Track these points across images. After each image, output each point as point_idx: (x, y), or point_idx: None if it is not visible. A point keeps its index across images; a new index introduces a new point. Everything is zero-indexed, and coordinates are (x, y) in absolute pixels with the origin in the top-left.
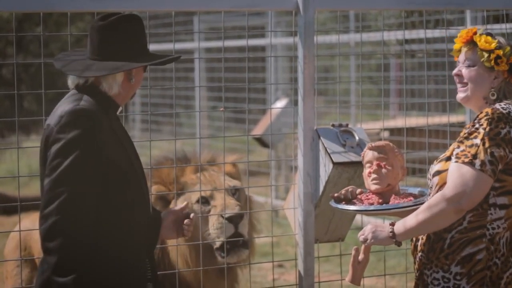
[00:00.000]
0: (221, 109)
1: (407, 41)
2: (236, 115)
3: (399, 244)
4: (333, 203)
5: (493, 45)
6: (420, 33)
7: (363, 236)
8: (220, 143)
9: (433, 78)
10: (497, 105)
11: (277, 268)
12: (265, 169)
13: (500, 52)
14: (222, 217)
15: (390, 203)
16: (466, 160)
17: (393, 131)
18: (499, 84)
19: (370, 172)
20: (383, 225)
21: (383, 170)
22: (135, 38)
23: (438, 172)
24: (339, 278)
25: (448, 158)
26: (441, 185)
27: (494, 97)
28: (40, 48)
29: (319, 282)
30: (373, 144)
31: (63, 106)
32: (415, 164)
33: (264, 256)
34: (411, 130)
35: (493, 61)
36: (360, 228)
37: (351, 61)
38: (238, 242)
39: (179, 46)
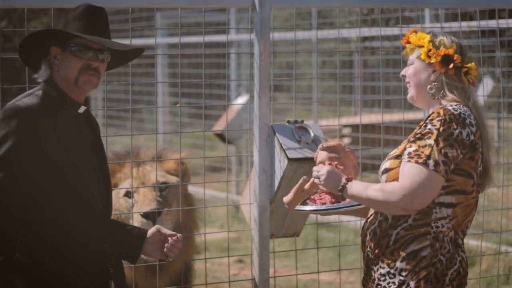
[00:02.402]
0: (178, 105)
1: (367, 38)
2: (198, 111)
3: (342, 198)
4: (286, 205)
5: (425, 40)
6: (381, 31)
7: (317, 173)
8: (182, 139)
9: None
10: (448, 106)
11: (237, 263)
12: (228, 165)
13: (430, 47)
14: (141, 214)
15: (344, 202)
16: (420, 160)
17: (355, 127)
18: (438, 77)
19: None
20: (340, 176)
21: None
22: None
23: (386, 170)
24: (296, 273)
25: (398, 156)
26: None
27: (433, 91)
28: (4, 43)
29: (274, 276)
30: (324, 145)
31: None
32: (374, 160)
33: (224, 251)
34: (372, 127)
35: (424, 55)
36: (315, 223)
37: (313, 57)
38: None
39: (142, 41)
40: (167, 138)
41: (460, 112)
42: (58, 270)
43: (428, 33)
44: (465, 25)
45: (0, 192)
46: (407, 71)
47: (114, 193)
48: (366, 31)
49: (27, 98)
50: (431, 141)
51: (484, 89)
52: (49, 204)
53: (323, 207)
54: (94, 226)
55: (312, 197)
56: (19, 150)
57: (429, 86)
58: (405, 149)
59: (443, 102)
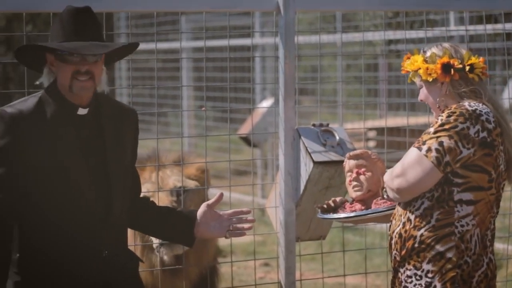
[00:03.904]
0: (203, 108)
1: (392, 41)
2: (223, 115)
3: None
4: (319, 214)
5: (418, 62)
6: (406, 33)
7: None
8: (207, 142)
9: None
10: (465, 103)
11: (263, 266)
12: (253, 168)
13: (426, 65)
14: None
15: (372, 208)
16: (416, 145)
17: (380, 130)
18: (446, 88)
19: (350, 181)
20: None
21: (362, 177)
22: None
23: None
24: (322, 276)
25: None
26: None
27: (444, 104)
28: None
29: (300, 280)
30: (351, 153)
31: None
32: None
33: (250, 254)
34: (397, 130)
35: (425, 75)
36: (341, 226)
37: (338, 61)
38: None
39: (166, 45)
40: (192, 141)
41: (476, 109)
42: (52, 272)
43: (420, 53)
44: (490, 28)
45: None
46: (422, 96)
47: None
48: (391, 34)
49: (20, 103)
50: (431, 129)
51: (510, 92)
52: (41, 207)
53: (352, 214)
54: (89, 230)
55: (344, 205)
56: (5, 154)
57: (438, 100)
58: None
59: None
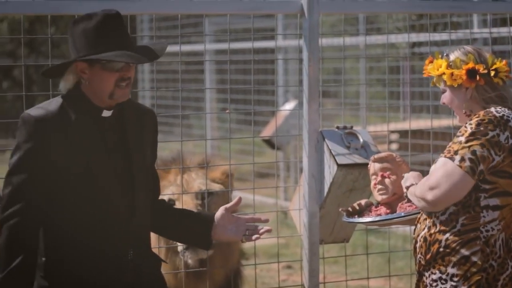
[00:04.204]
0: (227, 111)
1: (415, 44)
2: (246, 117)
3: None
4: (344, 217)
5: (442, 67)
6: (430, 36)
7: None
8: (230, 145)
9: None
10: (491, 108)
11: (286, 269)
12: (275, 171)
13: (450, 70)
14: None
15: (397, 212)
16: (448, 155)
17: (403, 133)
18: (471, 93)
19: (375, 184)
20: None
21: (387, 180)
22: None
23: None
24: (346, 279)
25: None
26: None
27: (469, 109)
28: (52, 50)
29: (324, 282)
30: (375, 156)
31: None
32: (423, 166)
33: (273, 257)
34: (420, 133)
35: (450, 80)
36: (364, 229)
37: (361, 63)
38: None
39: (189, 47)
40: (214, 144)
41: (503, 115)
42: (79, 275)
43: (442, 57)
44: None
45: (20, 197)
46: (445, 99)
47: None
48: (414, 37)
49: (44, 106)
50: (462, 138)
51: None
52: (67, 210)
53: (377, 218)
54: (115, 232)
55: (369, 209)
56: (31, 158)
57: (464, 105)
58: None
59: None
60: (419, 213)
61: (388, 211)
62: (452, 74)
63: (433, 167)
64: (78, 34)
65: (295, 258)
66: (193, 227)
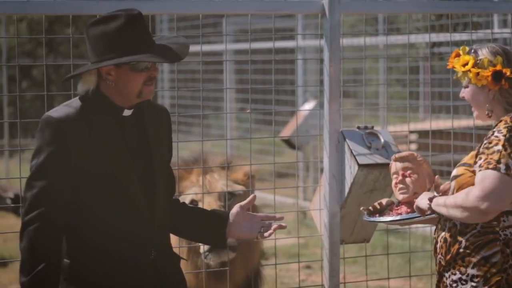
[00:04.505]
0: (248, 111)
1: (435, 44)
2: (265, 117)
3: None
4: (365, 216)
5: (469, 65)
6: (449, 36)
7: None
8: (248, 144)
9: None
10: None
11: (305, 269)
12: (294, 171)
13: (477, 70)
14: None
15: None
16: (490, 166)
17: (422, 133)
18: (494, 95)
19: (396, 183)
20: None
21: (408, 180)
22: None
23: (454, 177)
24: (366, 279)
25: (465, 164)
26: (457, 190)
27: (491, 109)
28: (70, 50)
29: (344, 282)
30: (397, 155)
31: None
32: (443, 166)
33: (292, 257)
34: (439, 133)
35: (474, 79)
36: (384, 229)
37: (380, 63)
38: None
39: (208, 48)
40: (233, 144)
41: None
42: (103, 276)
43: (469, 52)
44: None
45: (43, 200)
46: (465, 94)
47: (180, 199)
48: (434, 37)
49: (64, 108)
50: (499, 147)
51: None
52: (90, 211)
53: (398, 217)
54: (138, 232)
55: (390, 208)
56: (54, 160)
57: (487, 106)
58: (475, 157)
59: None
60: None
61: (409, 210)
62: (478, 73)
63: (478, 179)
64: (97, 36)
65: (314, 258)
66: (208, 226)
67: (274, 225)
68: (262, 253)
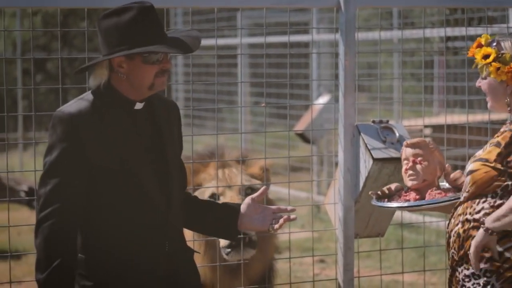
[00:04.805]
0: (262, 104)
1: (450, 38)
2: (279, 111)
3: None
4: (373, 201)
5: (490, 58)
6: (463, 30)
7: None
8: (262, 138)
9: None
10: None
11: (319, 263)
12: (308, 165)
13: (498, 65)
14: None
15: (426, 199)
16: None
17: (436, 128)
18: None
19: (406, 169)
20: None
21: (418, 166)
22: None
23: (470, 172)
24: (380, 273)
25: (482, 159)
26: (472, 185)
27: (507, 102)
28: (85, 43)
29: (358, 277)
30: (409, 141)
31: None
32: (457, 161)
33: (306, 251)
34: (454, 127)
35: (494, 73)
36: (399, 223)
37: (394, 57)
38: (244, 240)
39: (222, 41)
40: (247, 137)
41: None
42: (119, 270)
43: (491, 43)
44: None
45: (57, 197)
46: (482, 85)
47: (198, 192)
48: (449, 31)
49: (76, 103)
50: None
51: None
52: (104, 206)
53: (405, 204)
54: (152, 225)
55: (399, 194)
56: (67, 156)
57: (506, 101)
58: (500, 156)
59: None
60: (448, 201)
61: (417, 197)
62: (498, 68)
63: None
64: (109, 28)
65: (328, 252)
66: (220, 218)
67: (285, 216)
68: (276, 247)
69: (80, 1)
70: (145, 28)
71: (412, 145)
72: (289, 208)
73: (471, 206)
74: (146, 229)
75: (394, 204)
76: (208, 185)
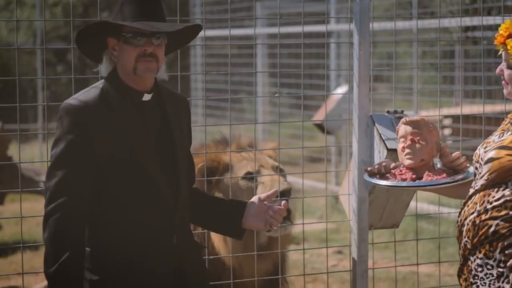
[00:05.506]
0: (276, 95)
1: (468, 28)
2: (298, 101)
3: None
4: (366, 177)
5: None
6: (484, 20)
7: None
8: (281, 129)
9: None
10: None
11: (336, 254)
12: (327, 155)
13: None
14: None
15: (423, 179)
16: None
17: (456, 118)
18: None
19: (403, 147)
20: None
21: (417, 145)
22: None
23: (491, 159)
24: (395, 265)
25: (504, 147)
26: (492, 172)
27: None
28: None
29: (373, 268)
30: (407, 119)
31: None
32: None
33: (323, 242)
34: (473, 118)
35: None
36: (415, 214)
37: (413, 47)
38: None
39: (242, 31)
40: (266, 128)
41: None
42: (125, 263)
43: None
44: None
45: (64, 189)
46: (507, 75)
47: (231, 173)
48: (468, 21)
49: (83, 95)
50: None
51: None
52: (112, 198)
53: (404, 183)
54: (160, 218)
55: (393, 171)
56: (73, 148)
57: None
58: None
59: None
60: (450, 183)
61: (414, 176)
62: None
63: None
64: (115, 9)
65: (346, 243)
66: (225, 216)
67: (277, 216)
68: (291, 239)
69: None
70: (132, 8)
71: (411, 123)
72: (283, 205)
73: (489, 194)
74: (154, 222)
75: (387, 183)
76: (241, 166)
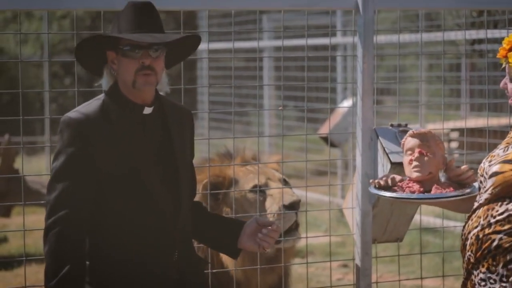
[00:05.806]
0: (280, 107)
1: (475, 41)
2: (306, 114)
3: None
4: (372, 189)
5: None
6: (489, 33)
7: None
8: (288, 142)
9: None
10: None
11: (342, 268)
12: (333, 169)
13: None
14: (284, 206)
15: (433, 192)
16: None
17: (463, 131)
18: None
19: (411, 160)
20: None
21: (425, 158)
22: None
23: (495, 174)
24: (399, 279)
25: (510, 161)
26: (496, 186)
27: None
28: None
29: (377, 282)
30: (415, 131)
31: None
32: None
33: (329, 255)
34: (478, 131)
35: None
36: (418, 228)
37: (420, 60)
38: (293, 226)
39: (249, 44)
40: (272, 141)
41: None
42: (125, 278)
43: None
44: None
45: (64, 203)
46: (507, 85)
47: (237, 187)
48: (474, 34)
49: (84, 108)
50: None
51: None
52: (112, 211)
53: (413, 196)
54: (161, 233)
55: (400, 184)
56: (74, 162)
57: None
58: None
59: None
60: (458, 196)
61: (421, 189)
62: None
63: None
64: (112, 24)
65: (351, 257)
66: (222, 234)
67: (264, 230)
68: (295, 253)
69: (99, 3)
70: (129, 20)
71: (418, 136)
72: (269, 228)
73: (493, 208)
74: (154, 237)
75: (394, 195)
76: (248, 179)
